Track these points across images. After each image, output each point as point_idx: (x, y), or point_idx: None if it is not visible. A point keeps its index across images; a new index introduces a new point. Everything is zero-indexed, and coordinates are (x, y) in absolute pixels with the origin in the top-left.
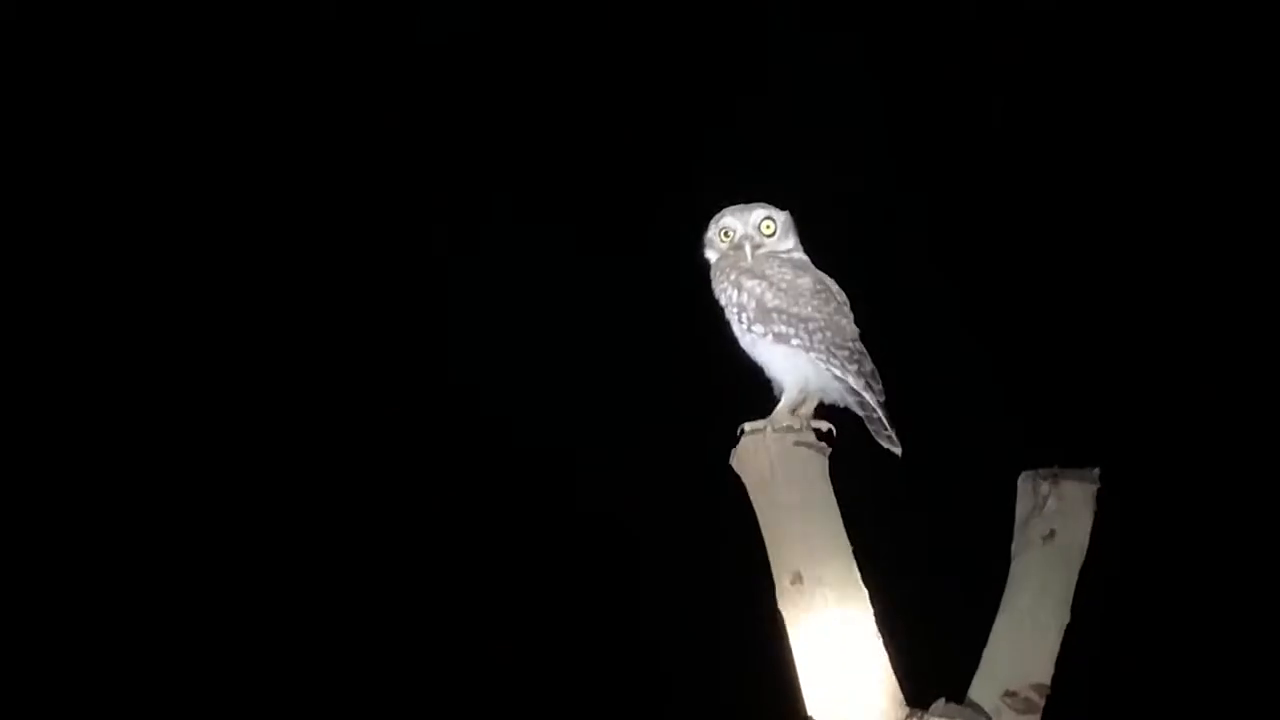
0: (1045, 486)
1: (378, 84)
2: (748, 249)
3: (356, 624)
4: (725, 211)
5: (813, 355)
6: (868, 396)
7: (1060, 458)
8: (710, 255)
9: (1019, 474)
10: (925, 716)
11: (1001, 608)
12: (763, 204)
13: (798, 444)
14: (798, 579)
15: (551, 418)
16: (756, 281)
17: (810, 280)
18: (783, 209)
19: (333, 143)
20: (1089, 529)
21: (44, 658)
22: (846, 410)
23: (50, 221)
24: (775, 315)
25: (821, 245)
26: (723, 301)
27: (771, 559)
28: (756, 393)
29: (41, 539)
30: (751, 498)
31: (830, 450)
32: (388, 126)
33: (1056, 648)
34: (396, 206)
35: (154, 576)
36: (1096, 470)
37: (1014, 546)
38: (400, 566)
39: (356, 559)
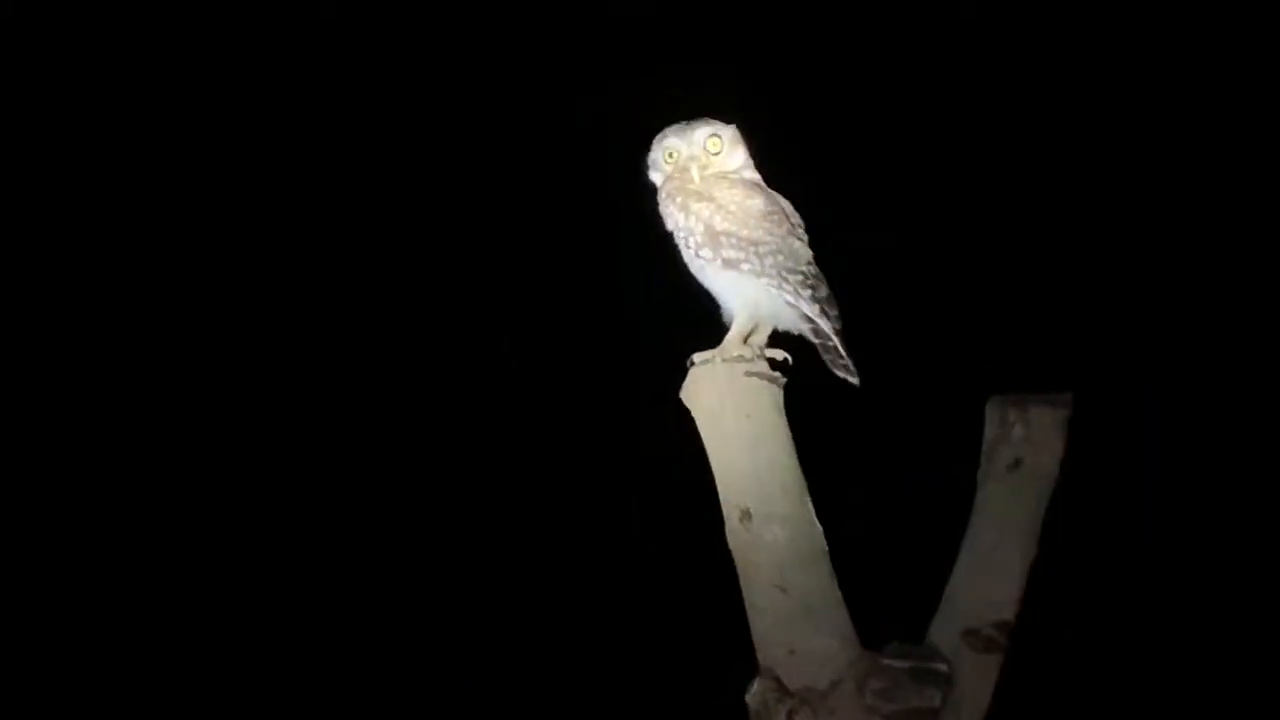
0: (1012, 413)
1: None
2: (694, 170)
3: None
4: (668, 131)
5: (764, 281)
6: (822, 324)
7: (1031, 384)
8: (655, 178)
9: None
10: (877, 659)
11: (965, 542)
12: (706, 120)
13: (749, 374)
14: (746, 516)
15: (495, 348)
16: (704, 204)
17: (762, 201)
18: (728, 123)
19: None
20: (1059, 457)
21: (44, 658)
22: (801, 339)
23: (51, 221)
24: (724, 239)
25: (773, 161)
26: (669, 226)
27: (721, 495)
28: (707, 322)
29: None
30: (701, 432)
31: (784, 380)
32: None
33: (1023, 583)
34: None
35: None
36: (1069, 395)
37: (979, 476)
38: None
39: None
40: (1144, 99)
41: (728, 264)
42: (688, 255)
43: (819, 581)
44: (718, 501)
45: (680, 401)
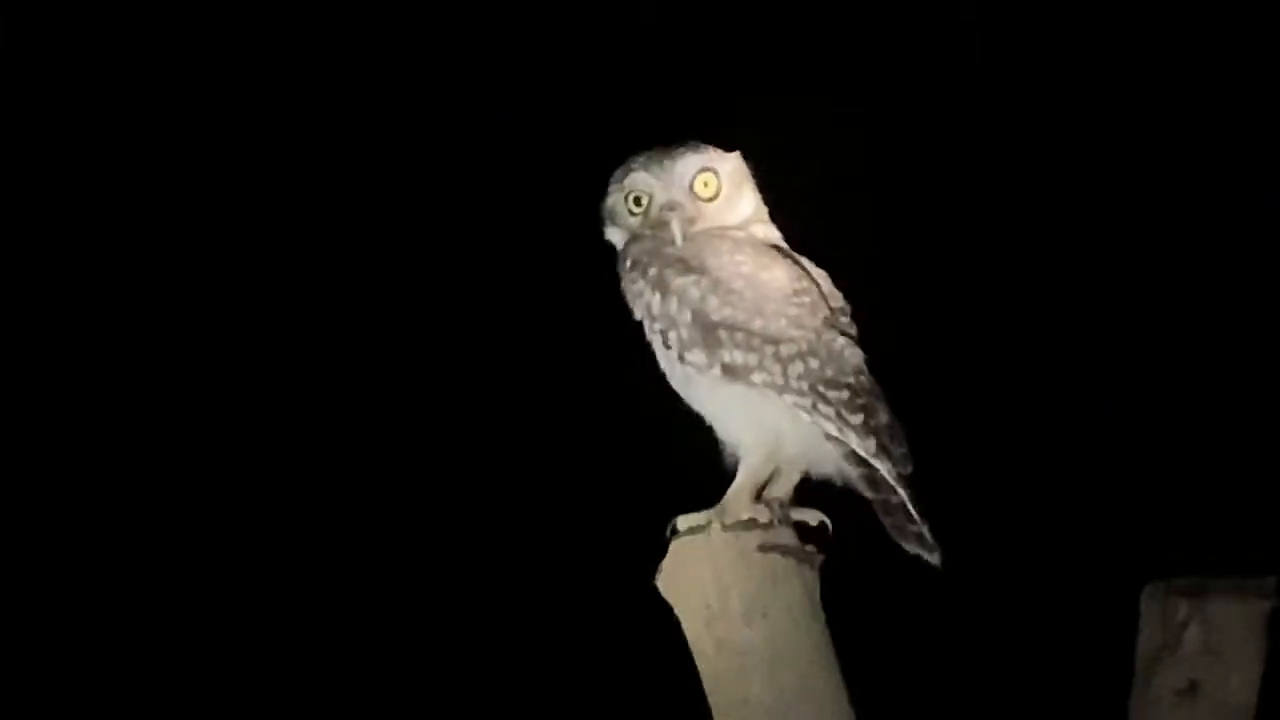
0: (1183, 608)
1: None
2: (675, 225)
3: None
4: (634, 164)
5: (788, 399)
6: (881, 467)
7: (1202, 562)
8: (614, 237)
9: (1139, 588)
10: None
11: None
12: (696, 147)
13: (763, 548)
14: None
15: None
16: (693, 279)
17: (784, 273)
18: (729, 150)
19: None
20: (1257, 678)
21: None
22: (849, 491)
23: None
24: (724, 334)
25: (802, 212)
26: (638, 313)
27: None
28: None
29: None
30: (689, 639)
31: (822, 559)
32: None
33: None
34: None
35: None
36: (1271, 580)
37: (1131, 705)
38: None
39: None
40: None
41: (730, 373)
42: (666, 358)
43: None
44: None
45: (656, 592)
